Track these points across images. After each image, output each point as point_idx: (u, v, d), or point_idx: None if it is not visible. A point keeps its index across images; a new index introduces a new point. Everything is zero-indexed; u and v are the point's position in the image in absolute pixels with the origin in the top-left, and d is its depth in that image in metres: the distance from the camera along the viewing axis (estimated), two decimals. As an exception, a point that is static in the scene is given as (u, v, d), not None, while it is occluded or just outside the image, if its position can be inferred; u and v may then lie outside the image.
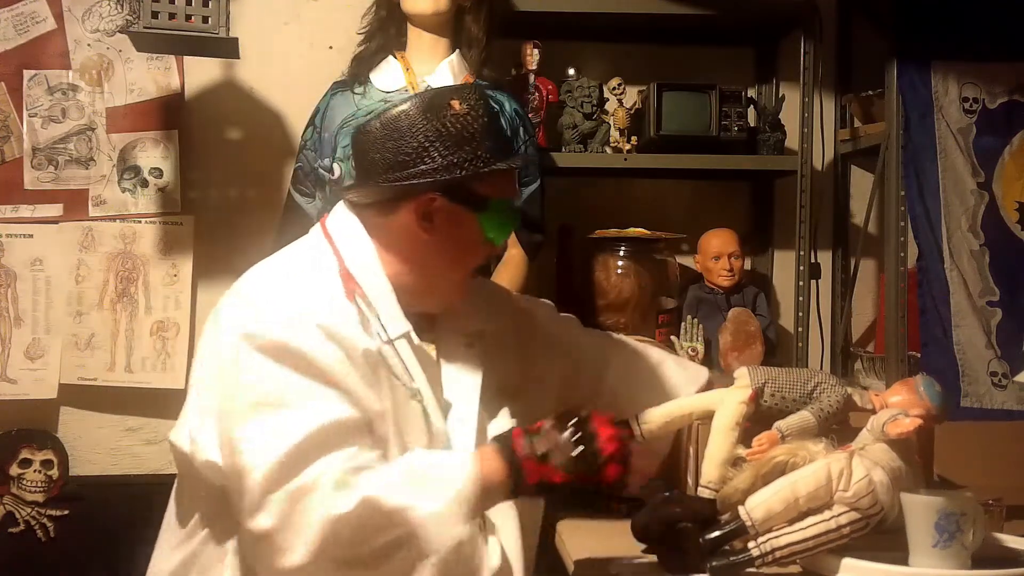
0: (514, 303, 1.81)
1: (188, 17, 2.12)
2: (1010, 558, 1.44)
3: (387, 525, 1.31)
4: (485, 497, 1.37)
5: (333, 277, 1.47)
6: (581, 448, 1.36)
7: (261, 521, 1.31)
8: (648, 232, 2.56)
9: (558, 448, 1.36)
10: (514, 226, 1.58)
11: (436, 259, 1.52)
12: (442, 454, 1.45)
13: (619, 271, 2.57)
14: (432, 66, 2.27)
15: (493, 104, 1.56)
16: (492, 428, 1.53)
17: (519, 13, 2.47)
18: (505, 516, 1.44)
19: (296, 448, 1.31)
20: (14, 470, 2.51)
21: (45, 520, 2.51)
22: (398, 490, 1.32)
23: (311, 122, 2.31)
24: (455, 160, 1.45)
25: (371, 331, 1.46)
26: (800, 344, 2.54)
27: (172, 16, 2.12)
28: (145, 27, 2.12)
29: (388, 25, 2.32)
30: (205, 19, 2.12)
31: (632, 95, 2.65)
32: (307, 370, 1.36)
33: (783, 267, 2.77)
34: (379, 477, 1.33)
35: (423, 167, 1.44)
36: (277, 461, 1.30)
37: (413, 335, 1.50)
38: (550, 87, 2.57)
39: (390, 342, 1.47)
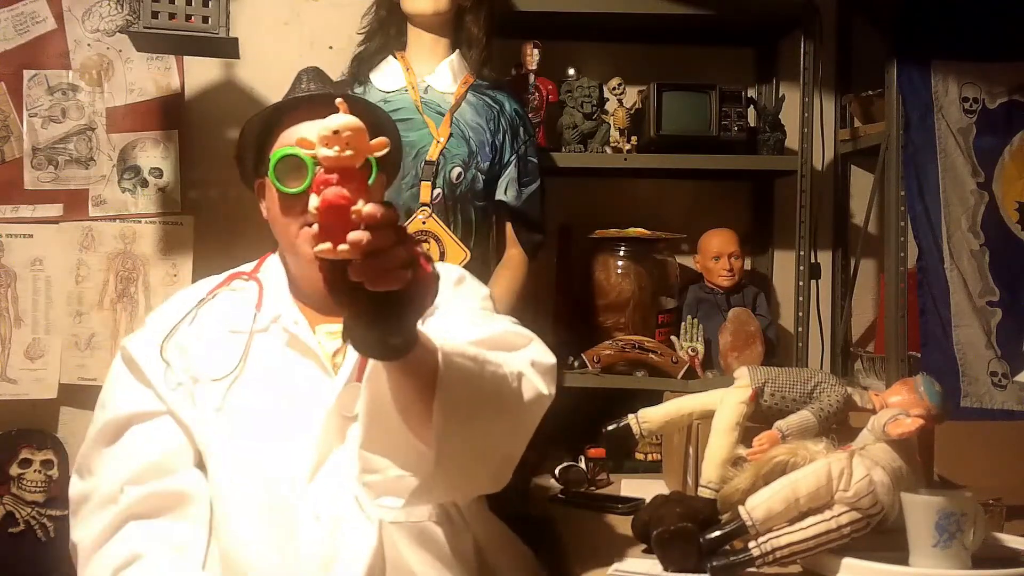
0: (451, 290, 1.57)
1: (188, 17, 2.12)
2: (1010, 558, 1.44)
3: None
4: None
5: (211, 285, 1.59)
6: None
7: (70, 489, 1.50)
8: (648, 232, 2.56)
9: None
10: (298, 174, 1.45)
11: (280, 241, 1.56)
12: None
13: (619, 271, 2.57)
14: (432, 66, 2.27)
15: (313, 72, 1.64)
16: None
17: (519, 13, 2.47)
18: None
19: (97, 434, 1.48)
20: (14, 470, 2.51)
21: (45, 520, 2.50)
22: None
23: (311, 122, 2.31)
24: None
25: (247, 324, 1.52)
26: (800, 344, 2.54)
27: (172, 16, 2.11)
28: (145, 27, 2.12)
29: (388, 25, 2.32)
30: (205, 19, 2.12)
31: (632, 95, 2.65)
32: (134, 372, 1.50)
33: (783, 267, 2.77)
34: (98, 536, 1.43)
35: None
36: (83, 448, 1.50)
37: (289, 322, 1.50)
38: (550, 87, 2.57)
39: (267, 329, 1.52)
